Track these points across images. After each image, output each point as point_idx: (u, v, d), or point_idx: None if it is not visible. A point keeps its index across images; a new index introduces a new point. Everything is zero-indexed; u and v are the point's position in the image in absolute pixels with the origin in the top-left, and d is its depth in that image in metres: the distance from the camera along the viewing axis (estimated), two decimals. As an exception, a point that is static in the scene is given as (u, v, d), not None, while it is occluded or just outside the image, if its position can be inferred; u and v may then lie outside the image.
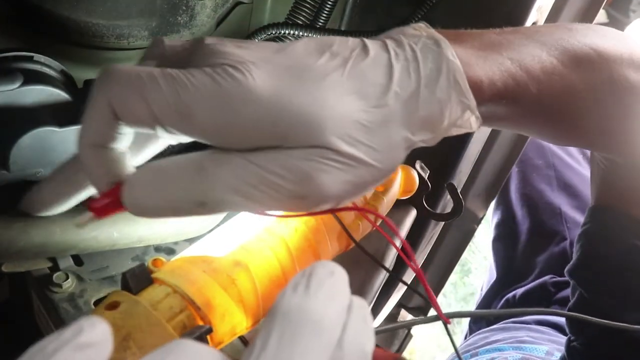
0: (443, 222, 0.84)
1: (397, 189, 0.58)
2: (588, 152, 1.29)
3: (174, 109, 0.29)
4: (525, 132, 0.43)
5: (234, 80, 0.29)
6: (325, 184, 0.30)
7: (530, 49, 0.38)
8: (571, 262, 0.57)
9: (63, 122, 0.47)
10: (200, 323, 0.39)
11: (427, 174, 0.63)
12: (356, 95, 0.31)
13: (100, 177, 0.33)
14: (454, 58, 0.33)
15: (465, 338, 1.25)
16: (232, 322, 0.41)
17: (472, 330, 1.27)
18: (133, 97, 0.30)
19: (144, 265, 0.41)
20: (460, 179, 0.73)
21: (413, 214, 0.67)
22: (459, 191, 0.62)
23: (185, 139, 0.33)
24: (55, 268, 0.51)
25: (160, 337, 0.37)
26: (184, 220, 0.52)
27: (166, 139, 0.35)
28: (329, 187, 0.31)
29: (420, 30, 0.35)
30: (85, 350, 0.19)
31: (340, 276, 0.24)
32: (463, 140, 0.66)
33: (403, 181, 0.60)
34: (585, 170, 1.26)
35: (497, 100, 0.37)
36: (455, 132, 0.36)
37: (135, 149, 0.36)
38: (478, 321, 1.25)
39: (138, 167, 0.33)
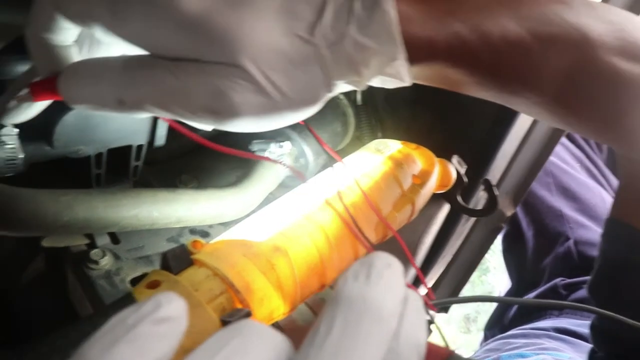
0: (474, 218, 0.84)
1: (434, 183, 0.57)
2: (584, 159, 1.31)
3: (107, 8, 0.31)
4: (496, 101, 0.41)
5: None
6: (236, 103, 0.32)
7: (496, 16, 0.37)
8: (590, 279, 0.57)
9: (107, 101, 0.48)
10: (239, 306, 0.39)
11: (464, 169, 0.62)
12: (283, 26, 0.32)
13: (43, 65, 0.36)
14: (391, 9, 0.34)
15: (481, 345, 1.25)
16: (270, 307, 0.41)
17: (486, 337, 1.27)
18: None
19: (184, 246, 0.41)
20: (494, 175, 0.72)
21: (446, 208, 0.66)
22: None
23: (122, 44, 0.34)
24: (92, 245, 0.52)
25: (201, 318, 0.37)
26: (222, 203, 0.52)
27: (105, 41, 0.38)
28: (240, 107, 0.33)
29: None
30: (164, 323, 0.20)
31: (397, 268, 0.24)
32: (500, 135, 0.66)
33: (440, 175, 0.59)
34: (581, 175, 1.29)
35: (439, 60, 0.37)
36: (387, 82, 0.37)
37: (85, 51, 0.39)
38: (492, 327, 1.25)
39: (75, 61, 0.36)
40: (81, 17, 0.33)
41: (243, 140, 0.64)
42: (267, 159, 0.60)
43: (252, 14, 0.32)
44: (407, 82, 0.37)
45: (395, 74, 0.36)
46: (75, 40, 0.37)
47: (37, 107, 0.41)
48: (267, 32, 0.32)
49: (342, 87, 0.36)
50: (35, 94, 0.37)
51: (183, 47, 0.32)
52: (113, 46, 0.39)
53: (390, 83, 0.37)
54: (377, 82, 0.37)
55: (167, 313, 0.20)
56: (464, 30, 0.36)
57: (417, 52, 0.36)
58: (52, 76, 0.36)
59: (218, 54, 0.32)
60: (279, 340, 0.21)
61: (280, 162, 0.61)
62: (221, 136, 0.67)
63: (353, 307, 0.21)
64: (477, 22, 0.36)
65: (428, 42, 0.36)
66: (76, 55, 0.37)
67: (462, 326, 2.18)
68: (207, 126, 0.35)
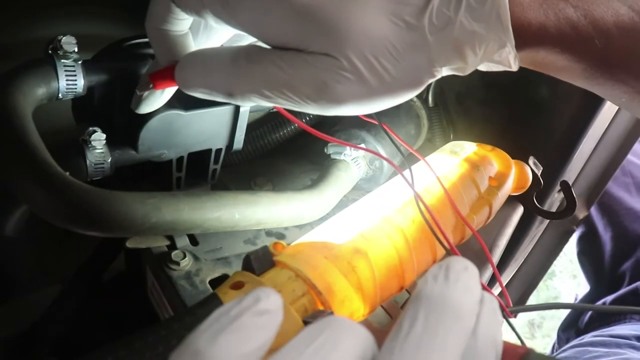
0: (547, 221, 0.82)
1: (510, 185, 0.56)
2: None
3: (219, 1, 0.33)
4: (594, 90, 0.40)
5: None
6: (339, 93, 0.33)
7: (609, 1, 0.35)
8: None
9: (188, 106, 0.49)
10: (321, 308, 0.39)
11: (540, 171, 0.61)
12: (390, 12, 0.33)
13: (162, 55, 0.40)
14: None
15: (554, 348, 1.21)
16: (351, 308, 0.41)
17: (560, 338, 1.23)
18: None
19: (267, 248, 0.41)
20: (570, 176, 0.70)
21: (520, 210, 0.65)
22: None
23: (234, 31, 0.38)
24: (172, 247, 0.53)
25: (284, 319, 0.37)
26: (300, 205, 0.53)
27: (217, 30, 0.41)
28: (343, 97, 0.33)
29: None
30: (263, 316, 0.22)
31: (473, 271, 0.25)
32: (577, 136, 0.64)
33: (517, 177, 0.58)
34: None
35: (548, 46, 0.36)
36: (493, 67, 0.37)
37: (200, 39, 0.42)
38: (566, 329, 1.21)
39: (191, 52, 0.39)
40: (194, 8, 0.35)
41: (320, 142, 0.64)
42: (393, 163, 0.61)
43: (360, 3, 0.32)
44: (514, 68, 0.37)
45: (503, 61, 0.36)
46: (189, 28, 0.40)
47: (166, 96, 0.44)
48: (374, 19, 0.32)
49: (445, 72, 0.36)
50: (155, 82, 0.40)
51: (291, 35, 0.33)
52: (224, 32, 0.41)
53: (495, 68, 0.37)
54: (482, 67, 0.37)
55: (266, 306, 0.22)
56: (575, 16, 0.35)
57: (527, 38, 0.35)
58: (170, 65, 0.39)
59: (324, 43, 0.32)
60: (366, 334, 0.22)
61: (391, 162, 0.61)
62: (294, 139, 0.68)
63: (434, 305, 0.22)
64: (589, 7, 0.35)
65: (538, 27, 0.35)
66: (192, 43, 0.40)
67: (527, 332, 2.13)
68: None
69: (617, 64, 0.37)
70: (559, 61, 0.37)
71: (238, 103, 0.36)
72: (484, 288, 0.39)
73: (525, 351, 0.26)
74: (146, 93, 0.43)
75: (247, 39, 0.42)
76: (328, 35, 0.32)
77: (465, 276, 0.24)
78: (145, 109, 0.45)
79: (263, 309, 0.22)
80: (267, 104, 0.36)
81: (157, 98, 0.44)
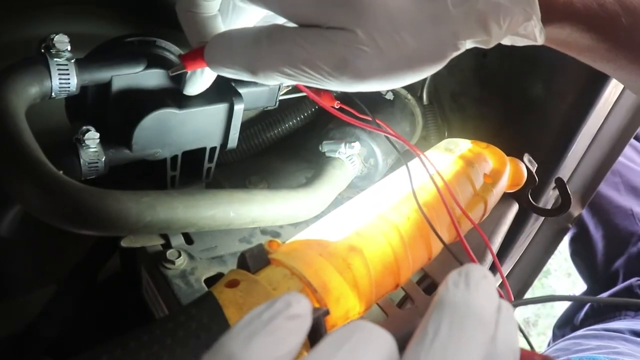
0: (542, 219, 0.82)
1: (505, 182, 0.57)
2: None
3: None
4: (615, 75, 0.39)
5: None
6: (360, 68, 0.33)
7: None
8: None
9: (182, 105, 0.49)
10: (316, 305, 0.39)
11: (535, 168, 0.61)
12: None
13: (192, 36, 0.41)
14: None
15: (549, 345, 1.22)
16: (347, 306, 0.41)
17: (555, 336, 1.24)
18: None
19: (261, 246, 0.41)
20: (564, 174, 0.70)
21: (515, 208, 0.65)
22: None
23: (257, 10, 0.39)
24: (167, 245, 0.53)
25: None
26: (295, 203, 0.53)
27: (245, 8, 0.41)
28: (364, 72, 0.33)
29: None
30: (294, 320, 0.22)
31: (491, 279, 0.25)
32: (572, 133, 0.64)
33: (511, 174, 0.58)
34: None
35: (574, 22, 0.35)
36: (517, 41, 0.36)
37: (229, 20, 0.42)
38: (562, 326, 1.22)
39: (219, 33, 0.40)
40: None
41: (314, 140, 0.64)
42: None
43: None
44: (539, 42, 0.36)
45: (528, 34, 0.35)
46: (218, 10, 0.41)
47: (207, 77, 0.46)
48: None
49: (469, 45, 0.35)
50: (187, 63, 0.42)
51: (310, 10, 0.33)
52: (252, 12, 0.42)
53: (520, 42, 0.36)
54: (506, 41, 0.36)
55: (297, 311, 0.22)
56: None
57: (553, 12, 0.35)
58: (199, 47, 0.40)
59: (341, 17, 0.32)
60: (391, 340, 0.22)
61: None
62: (289, 137, 0.68)
63: (457, 312, 0.23)
64: None
65: (564, 2, 0.35)
66: (221, 24, 0.41)
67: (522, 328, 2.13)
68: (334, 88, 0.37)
69: None
70: (583, 39, 0.36)
71: (261, 81, 0.36)
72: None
73: (542, 358, 0.26)
74: (189, 73, 0.46)
75: (278, 20, 0.42)
76: (344, 9, 0.32)
77: (485, 283, 0.24)
78: (190, 90, 0.47)
79: (295, 314, 0.22)
80: (289, 82, 0.36)
81: (199, 79, 0.46)
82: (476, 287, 0.24)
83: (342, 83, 0.34)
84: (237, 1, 0.38)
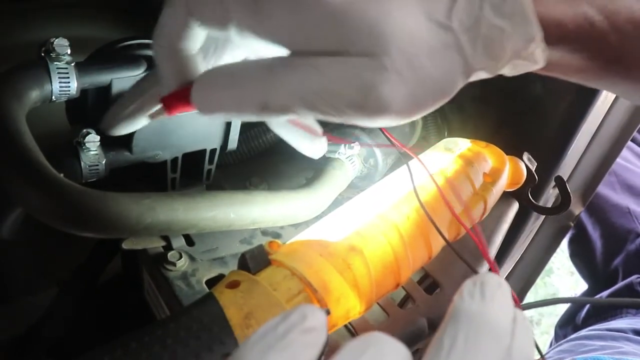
0: (543, 217, 0.82)
1: (505, 181, 0.57)
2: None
3: (248, 10, 0.31)
4: (611, 90, 0.40)
5: None
6: (385, 95, 0.31)
7: None
8: None
9: (182, 107, 0.49)
10: (317, 305, 0.40)
11: (535, 166, 0.61)
12: (423, 13, 0.31)
13: (172, 77, 0.36)
14: None
15: (551, 345, 1.22)
16: (347, 306, 0.41)
17: (557, 335, 1.24)
18: None
19: (262, 247, 0.41)
20: (564, 172, 0.71)
21: (515, 206, 0.65)
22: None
23: (256, 45, 0.33)
24: (168, 247, 0.53)
25: (281, 316, 0.37)
26: (295, 204, 0.53)
27: (237, 44, 0.37)
28: (388, 98, 0.31)
29: None
30: (310, 333, 0.21)
31: (506, 288, 0.25)
32: (571, 131, 0.64)
33: (511, 173, 0.58)
34: None
35: (567, 43, 0.35)
36: (520, 65, 0.35)
37: (210, 58, 0.39)
38: (564, 326, 1.22)
39: (209, 69, 0.35)
40: (218, 20, 0.32)
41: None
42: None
43: (395, 2, 0.31)
44: (541, 64, 0.36)
45: (530, 57, 0.35)
46: (200, 48, 0.37)
47: (143, 121, 0.42)
48: (411, 19, 0.31)
49: (478, 76, 0.34)
50: (169, 107, 0.37)
51: (329, 39, 0.31)
52: (241, 49, 0.39)
53: (522, 68, 0.36)
54: (508, 69, 0.36)
55: (313, 324, 0.22)
56: (591, 11, 0.35)
57: (548, 34, 0.34)
58: (184, 87, 0.35)
59: (365, 44, 0.30)
60: (407, 353, 0.22)
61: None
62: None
63: (473, 324, 0.23)
64: (603, 2, 0.35)
65: (557, 24, 0.34)
66: (202, 64, 0.37)
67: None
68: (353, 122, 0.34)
69: (633, 62, 0.36)
70: (575, 60, 0.36)
71: (273, 116, 0.33)
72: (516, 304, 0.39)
73: None
74: (129, 110, 0.41)
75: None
76: (371, 34, 0.30)
77: (500, 293, 0.24)
78: (126, 130, 0.42)
79: (310, 327, 0.21)
80: (307, 115, 0.32)
81: (143, 119, 0.41)
82: (492, 297, 0.24)
83: (364, 114, 0.32)
84: (232, 34, 0.33)
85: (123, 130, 0.42)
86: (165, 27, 0.35)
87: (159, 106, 0.38)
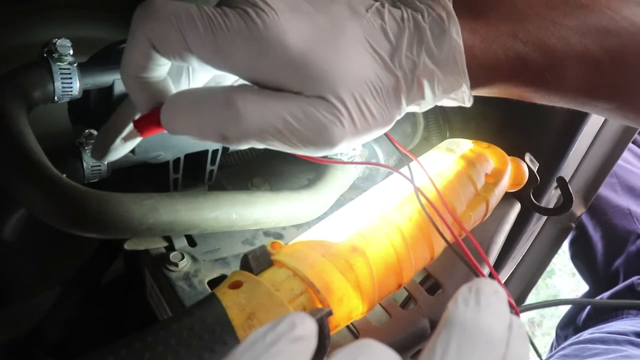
0: (544, 218, 0.82)
1: (507, 182, 0.57)
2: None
3: (209, 48, 0.32)
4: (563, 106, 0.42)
5: (265, 27, 0.32)
6: (335, 134, 0.33)
7: (560, 31, 0.37)
8: None
9: (185, 107, 0.49)
10: (319, 306, 0.40)
11: (537, 167, 0.61)
12: (369, 57, 0.34)
13: (143, 102, 0.37)
14: (457, 37, 0.35)
15: (552, 346, 1.22)
16: (349, 306, 0.41)
17: (558, 336, 1.24)
18: (172, 34, 0.32)
19: (264, 247, 0.41)
20: (566, 173, 0.71)
21: (517, 207, 0.65)
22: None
23: (213, 71, 0.36)
24: (171, 248, 0.53)
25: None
26: (297, 205, 0.53)
27: (199, 71, 0.39)
28: (338, 138, 0.34)
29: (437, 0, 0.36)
30: (299, 342, 0.21)
31: (502, 295, 0.25)
32: (573, 132, 0.64)
33: (513, 173, 0.58)
34: None
35: (503, 82, 0.38)
36: (449, 103, 0.39)
37: (177, 80, 0.39)
38: (565, 327, 1.22)
39: (176, 92, 0.36)
40: (179, 54, 0.33)
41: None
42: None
43: (347, 47, 0.33)
44: (468, 105, 0.39)
45: (458, 98, 0.38)
46: (167, 73, 0.38)
47: (134, 142, 0.42)
48: (359, 64, 0.34)
49: (407, 110, 0.38)
50: (142, 129, 0.38)
51: (286, 82, 0.33)
52: (204, 73, 0.40)
53: (451, 103, 0.39)
54: (439, 103, 0.39)
55: (301, 332, 0.21)
56: (525, 50, 0.37)
57: (480, 77, 0.37)
58: (154, 110, 0.36)
59: (320, 88, 0.33)
60: (397, 358, 0.22)
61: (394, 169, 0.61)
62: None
63: (466, 332, 0.22)
64: (539, 40, 0.37)
65: (490, 68, 0.37)
66: (172, 86, 0.38)
67: (527, 330, 2.13)
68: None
69: (575, 90, 0.39)
70: (516, 91, 0.40)
71: (232, 146, 0.35)
72: (512, 307, 0.39)
73: None
74: (118, 141, 0.41)
75: (230, 78, 0.41)
76: (324, 81, 0.33)
77: (495, 300, 0.24)
78: (115, 157, 0.42)
79: (299, 336, 0.21)
80: (260, 146, 0.35)
81: (129, 144, 0.42)
82: (487, 304, 0.24)
83: (314, 148, 0.34)
84: (194, 64, 0.34)
85: (113, 157, 0.42)
86: (131, 60, 0.35)
87: (132, 128, 0.38)
